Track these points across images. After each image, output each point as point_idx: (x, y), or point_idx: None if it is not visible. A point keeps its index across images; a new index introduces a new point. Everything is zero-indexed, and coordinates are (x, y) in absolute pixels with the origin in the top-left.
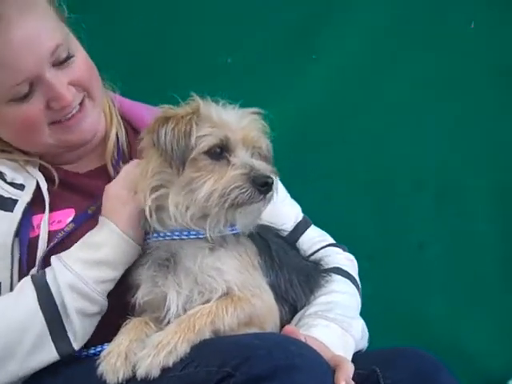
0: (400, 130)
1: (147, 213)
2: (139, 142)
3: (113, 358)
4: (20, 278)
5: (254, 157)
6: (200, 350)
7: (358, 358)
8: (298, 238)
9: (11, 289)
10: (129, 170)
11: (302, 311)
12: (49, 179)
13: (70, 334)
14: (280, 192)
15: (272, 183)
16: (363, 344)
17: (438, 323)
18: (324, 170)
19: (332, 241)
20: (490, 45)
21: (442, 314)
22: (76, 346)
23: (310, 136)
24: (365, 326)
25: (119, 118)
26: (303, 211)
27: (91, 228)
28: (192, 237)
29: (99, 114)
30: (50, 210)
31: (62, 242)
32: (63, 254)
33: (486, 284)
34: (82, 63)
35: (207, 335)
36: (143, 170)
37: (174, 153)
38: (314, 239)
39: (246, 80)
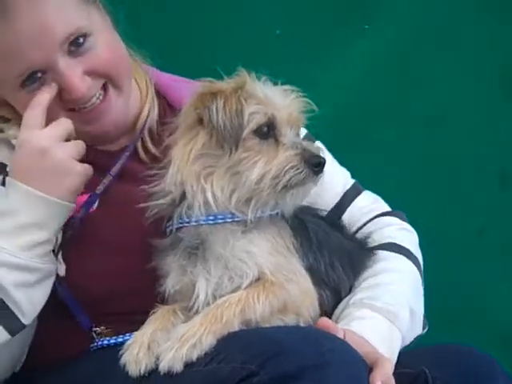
0: (460, 112)
1: (196, 201)
2: (175, 118)
3: (135, 349)
4: None
5: (297, 136)
6: (225, 343)
7: (406, 355)
8: (346, 208)
9: None
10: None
11: (347, 298)
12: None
13: (15, 311)
14: (328, 160)
15: (325, 163)
16: (415, 334)
17: (498, 315)
18: (380, 147)
19: (386, 208)
20: None
21: (502, 305)
22: (26, 320)
23: (365, 112)
24: (421, 314)
25: (154, 94)
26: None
27: (103, 210)
28: (228, 220)
29: (126, 105)
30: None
31: (86, 229)
32: None
33: None
34: (103, 50)
35: (236, 326)
36: (185, 150)
37: (227, 132)
38: (364, 209)
39: (296, 53)
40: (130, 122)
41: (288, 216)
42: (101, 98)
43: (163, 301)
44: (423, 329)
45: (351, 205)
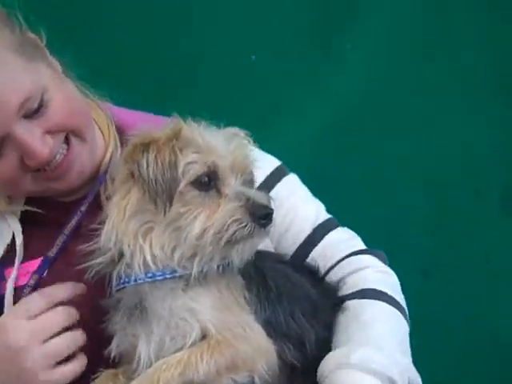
0: (456, 132)
1: (135, 260)
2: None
3: None
4: None
5: (245, 184)
6: None
7: None
8: (317, 243)
9: None
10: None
11: (343, 353)
12: (35, 219)
13: None
14: (298, 194)
15: (272, 213)
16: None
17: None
18: (370, 180)
19: (361, 246)
20: None
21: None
22: None
23: (344, 140)
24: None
25: (116, 135)
26: (348, 219)
27: (57, 274)
28: (168, 277)
29: (92, 153)
30: (26, 259)
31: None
32: None
33: None
34: (60, 105)
35: None
36: (120, 206)
37: (159, 187)
38: (338, 245)
39: (272, 78)
40: (93, 167)
41: (240, 267)
42: (64, 152)
43: (113, 363)
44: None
45: (323, 240)
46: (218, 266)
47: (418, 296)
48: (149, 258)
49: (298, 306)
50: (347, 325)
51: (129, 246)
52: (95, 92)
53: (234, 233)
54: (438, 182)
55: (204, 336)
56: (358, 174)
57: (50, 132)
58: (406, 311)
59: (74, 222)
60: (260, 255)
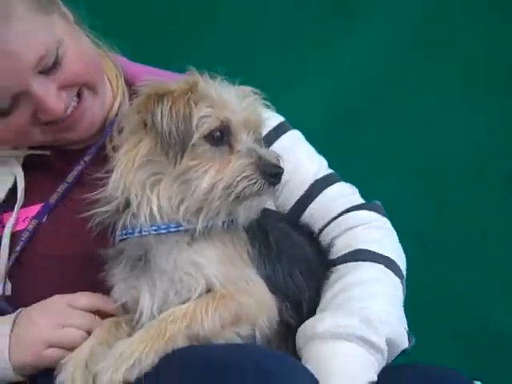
0: (459, 111)
1: (141, 211)
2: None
3: (71, 367)
4: None
5: (256, 142)
6: (166, 363)
7: (385, 373)
8: (315, 197)
9: None
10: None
11: (313, 321)
12: (39, 164)
13: None
14: (301, 147)
15: (282, 173)
16: (397, 351)
17: (500, 321)
18: (376, 151)
19: (359, 201)
20: None
21: (504, 312)
22: None
23: (356, 114)
24: (402, 328)
25: (124, 87)
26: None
27: (58, 219)
28: (172, 230)
29: (102, 104)
30: (27, 205)
31: (31, 241)
32: None
33: None
34: (75, 59)
35: (181, 343)
36: (129, 156)
37: (172, 138)
38: (336, 200)
39: (280, 54)
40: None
41: (245, 223)
42: (76, 104)
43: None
44: (409, 343)
45: (321, 193)
46: (223, 222)
47: (414, 266)
48: (155, 209)
49: (297, 266)
50: (328, 289)
51: (136, 195)
52: (105, 42)
53: (244, 189)
54: (443, 157)
55: (208, 290)
56: (364, 145)
57: (64, 87)
58: (398, 264)
59: (77, 170)
60: (263, 213)
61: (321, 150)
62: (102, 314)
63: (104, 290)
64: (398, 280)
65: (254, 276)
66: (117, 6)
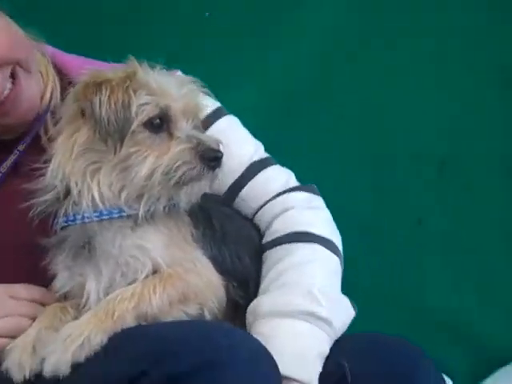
0: (398, 99)
1: (82, 199)
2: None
3: (18, 352)
4: None
5: (196, 129)
6: (116, 342)
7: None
8: (248, 181)
9: None
10: None
11: (254, 305)
12: None
13: None
14: (237, 132)
15: (221, 157)
16: (346, 322)
17: (436, 303)
18: (313, 135)
19: (294, 184)
20: None
21: (440, 293)
22: None
23: (298, 101)
24: (344, 299)
25: (54, 73)
26: (296, 172)
27: None
28: (115, 216)
29: (38, 84)
30: None
31: None
32: None
33: (490, 262)
34: (2, 38)
35: (130, 322)
36: (67, 144)
37: (111, 126)
38: (270, 184)
39: (226, 35)
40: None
41: (186, 208)
42: (11, 86)
43: None
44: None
45: (255, 177)
46: (165, 207)
47: (353, 251)
48: (96, 196)
49: (243, 247)
50: (269, 271)
51: (76, 184)
52: (28, 31)
53: (183, 174)
54: (380, 142)
55: (155, 272)
56: (302, 129)
57: None
58: (335, 243)
59: (10, 160)
60: (205, 197)
61: (260, 136)
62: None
63: (45, 279)
64: (336, 258)
65: (200, 257)
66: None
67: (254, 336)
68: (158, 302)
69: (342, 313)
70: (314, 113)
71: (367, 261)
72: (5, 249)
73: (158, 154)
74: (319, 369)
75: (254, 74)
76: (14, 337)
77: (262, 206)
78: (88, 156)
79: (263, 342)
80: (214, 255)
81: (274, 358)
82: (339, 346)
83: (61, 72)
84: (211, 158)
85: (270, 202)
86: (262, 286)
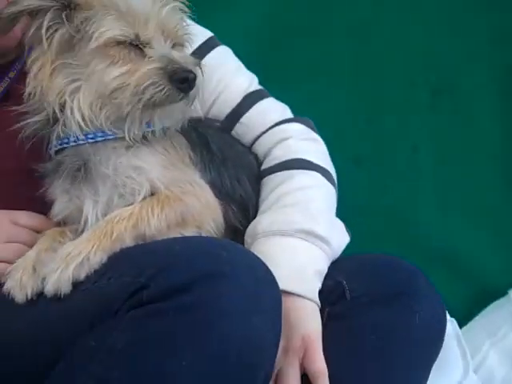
0: (390, 24)
1: (68, 120)
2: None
3: (18, 273)
4: None
5: (177, 48)
6: (116, 259)
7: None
8: (247, 110)
9: None
10: None
11: (253, 225)
12: None
13: None
14: (230, 64)
15: (194, 78)
16: (342, 244)
17: (430, 231)
18: (305, 65)
19: (289, 115)
20: None
21: (434, 222)
22: None
23: (288, 26)
24: (340, 224)
25: None
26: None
27: None
28: (110, 138)
29: None
30: None
31: None
32: None
33: (484, 191)
34: None
35: (128, 242)
36: (40, 64)
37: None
38: (267, 114)
39: None
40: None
41: (178, 129)
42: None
43: None
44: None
45: (252, 108)
46: (159, 130)
47: (349, 181)
48: (79, 117)
49: (243, 172)
50: (268, 195)
51: (61, 104)
52: None
53: (151, 96)
54: (374, 70)
55: (153, 193)
56: (291, 65)
57: None
58: (331, 173)
59: (1, 87)
60: (202, 123)
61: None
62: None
63: (44, 206)
64: (332, 188)
65: (198, 179)
66: None
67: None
68: (156, 223)
69: (338, 235)
70: (305, 37)
71: (363, 189)
72: (4, 174)
73: (128, 71)
74: (318, 285)
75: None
76: (13, 262)
77: (259, 136)
78: (65, 72)
79: (262, 258)
80: (213, 178)
81: (274, 274)
82: (337, 266)
83: None
84: (180, 78)
85: (268, 132)
86: (261, 209)
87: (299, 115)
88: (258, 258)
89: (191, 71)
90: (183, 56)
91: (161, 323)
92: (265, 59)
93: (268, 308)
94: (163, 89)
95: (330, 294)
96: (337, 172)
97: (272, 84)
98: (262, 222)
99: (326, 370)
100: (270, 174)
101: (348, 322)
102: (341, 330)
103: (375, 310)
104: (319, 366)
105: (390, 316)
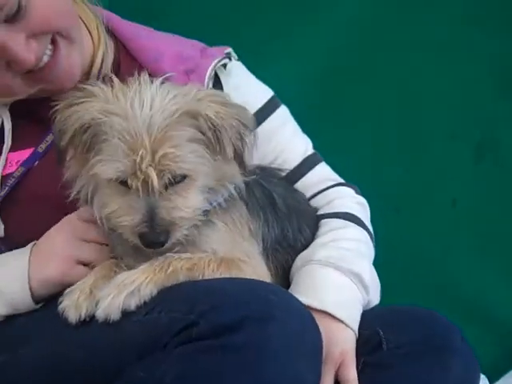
0: (437, 78)
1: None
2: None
3: (75, 294)
4: None
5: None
6: (167, 293)
7: (363, 314)
8: (305, 174)
9: None
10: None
11: (307, 253)
12: (26, 112)
13: None
14: (288, 127)
15: (163, 243)
16: (374, 301)
17: (465, 284)
18: (349, 115)
19: (341, 180)
20: None
21: (470, 275)
22: None
23: (334, 77)
24: (376, 277)
25: (107, 38)
26: (324, 155)
27: (45, 168)
28: None
29: (80, 53)
30: (15, 149)
31: (17, 187)
32: None
33: None
34: (40, 7)
35: (181, 280)
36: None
37: None
38: (323, 177)
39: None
40: (83, 70)
41: (249, 184)
42: (51, 53)
43: None
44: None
45: (309, 172)
46: (221, 202)
47: (388, 230)
48: None
49: (303, 220)
50: (321, 236)
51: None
52: None
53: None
54: (415, 122)
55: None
56: (337, 112)
57: (34, 35)
58: (374, 243)
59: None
60: (266, 172)
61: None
62: None
63: None
64: (373, 249)
65: (254, 252)
66: None
67: (302, 275)
68: (209, 275)
69: (374, 292)
70: (352, 89)
71: (401, 240)
72: (61, 198)
73: (118, 208)
74: (358, 319)
75: (292, 49)
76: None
77: (315, 195)
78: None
79: (311, 285)
80: (277, 236)
81: (321, 299)
82: (375, 315)
83: (116, 39)
84: (147, 243)
85: (324, 192)
86: (315, 242)
87: (342, 161)
88: (304, 306)
89: (159, 239)
90: (168, 206)
91: (210, 360)
92: (315, 103)
93: (311, 352)
94: (132, 241)
95: (367, 344)
96: (376, 220)
97: (319, 125)
98: (320, 252)
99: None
100: (327, 218)
101: (383, 372)
102: (376, 380)
103: (410, 363)
104: (353, 374)
105: (424, 370)
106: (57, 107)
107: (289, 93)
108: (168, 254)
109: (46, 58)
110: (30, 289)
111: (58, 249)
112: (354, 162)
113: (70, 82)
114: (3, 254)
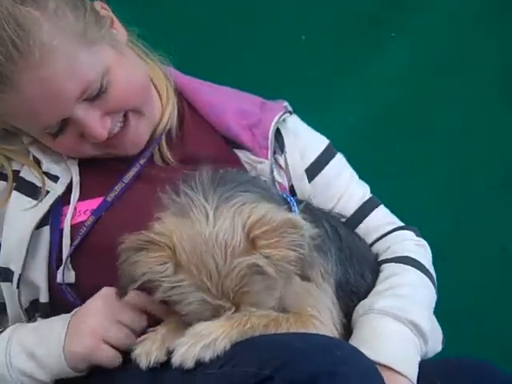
0: (481, 125)
1: None
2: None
3: (148, 343)
4: (50, 270)
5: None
6: (240, 347)
7: (420, 366)
8: (363, 219)
9: (19, 281)
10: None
11: (368, 302)
12: (94, 162)
13: None
14: (345, 174)
15: None
16: (435, 350)
17: None
18: (397, 165)
19: (401, 223)
20: None
21: None
22: None
23: (389, 124)
24: (438, 325)
25: (175, 98)
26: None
27: (114, 217)
28: None
29: (148, 125)
30: (83, 198)
31: (90, 233)
32: (19, 327)
33: None
34: (119, 88)
35: (256, 334)
36: None
37: None
38: (382, 221)
39: (321, 59)
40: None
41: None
42: (121, 125)
43: None
44: (442, 345)
45: (368, 216)
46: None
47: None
48: None
49: (365, 265)
50: (380, 283)
51: None
52: (157, 54)
53: None
54: (466, 171)
55: None
56: (386, 162)
57: (109, 113)
58: (435, 282)
59: (133, 171)
60: (330, 214)
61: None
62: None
63: None
64: (434, 292)
65: (325, 306)
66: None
67: (363, 324)
68: (284, 331)
69: (435, 340)
70: (401, 141)
71: (449, 288)
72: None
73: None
74: (417, 372)
75: (351, 97)
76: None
77: (376, 241)
78: None
79: (372, 335)
80: (339, 279)
81: (386, 354)
82: (434, 369)
83: (180, 94)
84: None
85: (386, 237)
86: (374, 290)
87: (390, 209)
88: (368, 358)
89: None
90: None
91: None
92: (364, 154)
93: None
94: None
95: None
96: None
97: (367, 176)
98: (380, 302)
99: None
100: (386, 263)
101: None
102: None
103: None
104: None
105: None
106: (124, 245)
107: (338, 144)
108: (248, 308)
109: (115, 130)
110: (65, 359)
111: (88, 328)
112: (400, 210)
113: (136, 149)
114: (48, 319)
